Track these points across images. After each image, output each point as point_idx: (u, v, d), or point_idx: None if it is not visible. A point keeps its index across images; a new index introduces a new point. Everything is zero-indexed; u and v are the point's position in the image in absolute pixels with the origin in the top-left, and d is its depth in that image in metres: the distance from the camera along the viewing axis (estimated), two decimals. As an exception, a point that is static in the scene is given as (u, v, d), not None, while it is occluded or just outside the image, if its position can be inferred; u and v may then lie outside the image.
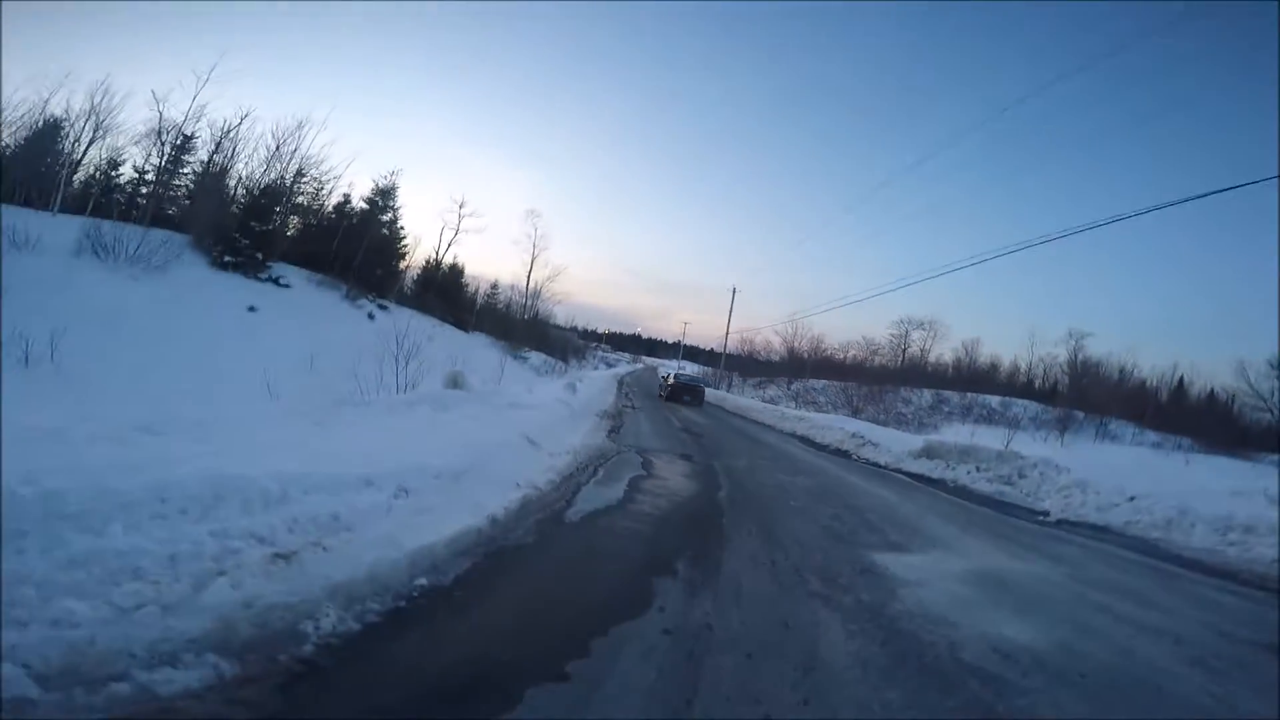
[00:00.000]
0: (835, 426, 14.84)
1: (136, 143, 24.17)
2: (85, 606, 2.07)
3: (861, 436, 12.92)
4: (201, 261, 20.37)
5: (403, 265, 34.03)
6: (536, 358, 37.56)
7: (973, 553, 5.00)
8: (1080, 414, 34.83)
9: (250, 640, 2.20)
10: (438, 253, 38.02)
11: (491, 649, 2.51)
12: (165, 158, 24.20)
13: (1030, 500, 8.18)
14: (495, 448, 5.64)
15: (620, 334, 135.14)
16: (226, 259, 20.96)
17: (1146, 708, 2.65)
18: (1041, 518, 7.14)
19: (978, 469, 9.61)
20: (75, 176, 23.27)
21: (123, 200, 23.74)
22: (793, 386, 44.33)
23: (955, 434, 22.07)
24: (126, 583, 2.25)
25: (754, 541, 4.59)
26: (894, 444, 11.87)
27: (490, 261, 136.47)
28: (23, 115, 21.28)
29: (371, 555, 2.99)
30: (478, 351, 24.28)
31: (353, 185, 37.63)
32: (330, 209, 29.95)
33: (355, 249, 27.70)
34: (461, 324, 33.93)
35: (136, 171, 24.94)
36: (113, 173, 24.56)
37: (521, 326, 40.83)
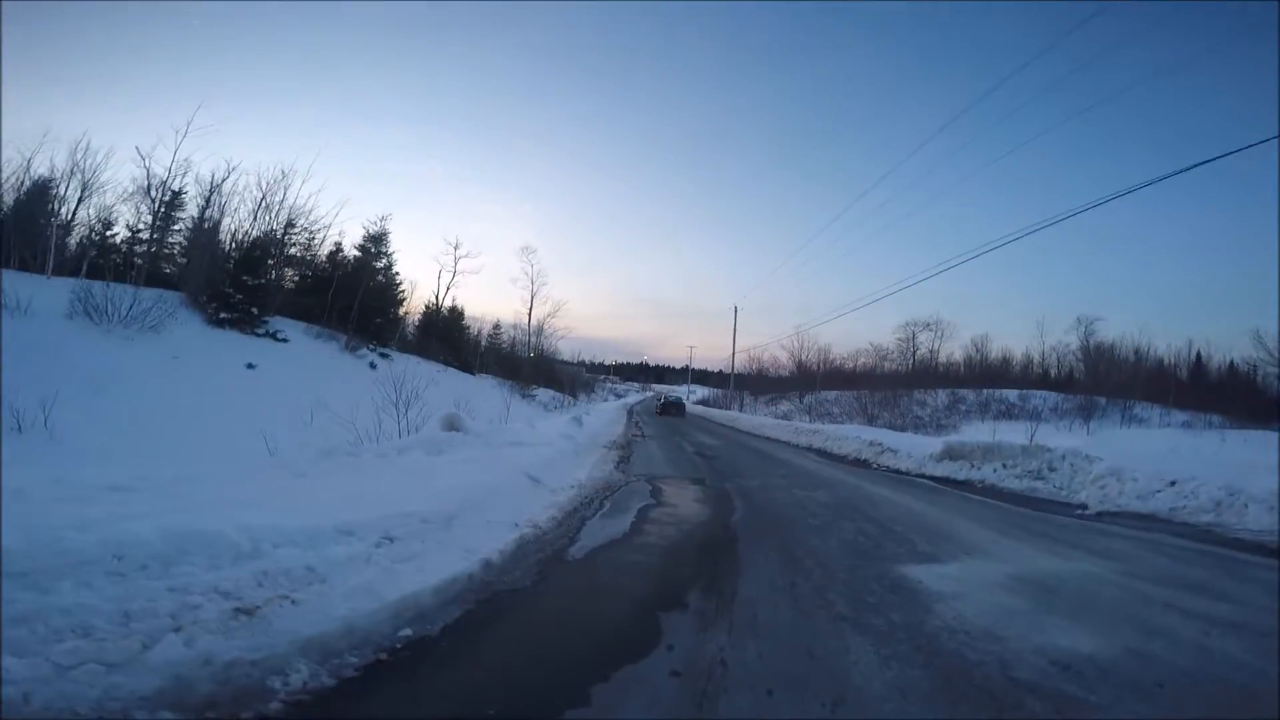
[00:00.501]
0: (851, 436, 14.44)
1: (126, 200, 23.95)
2: (22, 664, 1.95)
3: (879, 444, 12.49)
4: (197, 319, 20.19)
5: (402, 311, 33.89)
6: (544, 394, 37.40)
7: (1011, 556, 4.60)
8: (1102, 400, 34.09)
9: (210, 697, 2.09)
10: (437, 297, 38.13)
11: (482, 701, 2.24)
12: (156, 215, 24.11)
13: (1064, 494, 7.77)
14: (492, 488, 5.32)
15: (628, 364, 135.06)
16: (222, 315, 20.78)
17: (1242, 712, 2.28)
18: (1080, 511, 6.73)
19: (1004, 466, 9.19)
20: (69, 238, 23.14)
21: (119, 260, 23.50)
22: (805, 400, 43.82)
23: (976, 432, 21.54)
24: (70, 640, 2.12)
25: (771, 565, 4.22)
26: (914, 448, 11.44)
27: (492, 300, 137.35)
28: (8, 176, 21.16)
29: (347, 606, 2.78)
30: (484, 393, 23.92)
31: (344, 233, 37.48)
32: (324, 258, 29.95)
33: (351, 298, 27.57)
34: (467, 367, 33.82)
35: (130, 230, 24.80)
36: (107, 233, 24.41)
37: (527, 365, 40.59)
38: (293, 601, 2.73)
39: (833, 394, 43.56)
